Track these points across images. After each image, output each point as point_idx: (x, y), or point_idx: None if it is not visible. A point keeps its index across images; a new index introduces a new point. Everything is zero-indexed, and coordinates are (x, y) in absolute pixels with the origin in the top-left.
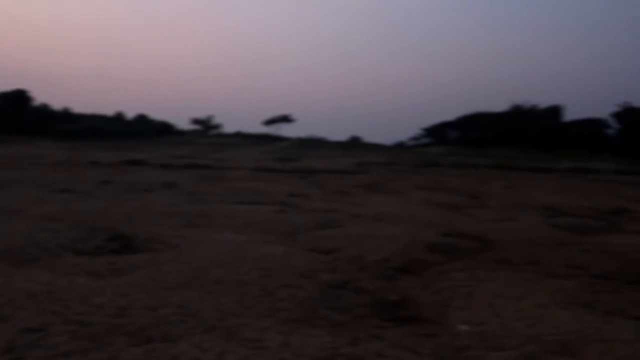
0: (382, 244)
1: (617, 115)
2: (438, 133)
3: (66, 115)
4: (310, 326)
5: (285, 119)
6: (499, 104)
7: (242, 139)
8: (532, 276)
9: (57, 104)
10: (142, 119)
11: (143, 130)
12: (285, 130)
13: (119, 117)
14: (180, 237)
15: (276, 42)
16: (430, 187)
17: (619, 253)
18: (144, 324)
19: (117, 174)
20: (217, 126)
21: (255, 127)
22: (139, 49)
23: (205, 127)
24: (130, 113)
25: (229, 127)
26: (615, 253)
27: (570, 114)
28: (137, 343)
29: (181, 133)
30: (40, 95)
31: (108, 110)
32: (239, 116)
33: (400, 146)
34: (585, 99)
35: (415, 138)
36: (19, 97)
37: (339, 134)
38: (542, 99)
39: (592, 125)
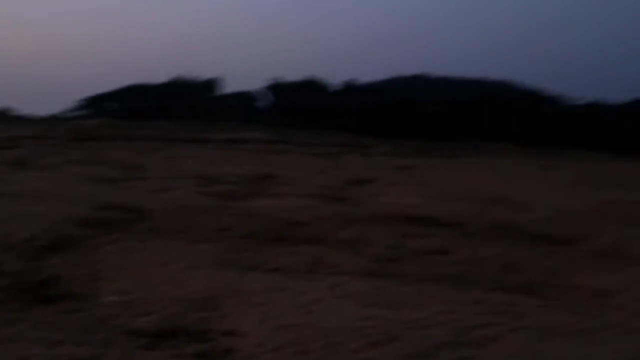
0: (29, 223)
1: (269, 89)
2: (96, 105)
3: None
4: None
5: None
6: (159, 76)
7: None
8: (182, 242)
9: None
10: None
11: None
12: None
13: None
14: None
15: None
16: (87, 160)
17: (262, 215)
18: None
19: None
20: None
21: None
22: None
23: None
24: None
25: None
26: (259, 215)
27: (229, 87)
28: None
29: None
30: None
31: None
32: None
33: (54, 119)
34: (241, 73)
35: (71, 110)
36: None
37: None
38: (201, 72)
39: (244, 98)
